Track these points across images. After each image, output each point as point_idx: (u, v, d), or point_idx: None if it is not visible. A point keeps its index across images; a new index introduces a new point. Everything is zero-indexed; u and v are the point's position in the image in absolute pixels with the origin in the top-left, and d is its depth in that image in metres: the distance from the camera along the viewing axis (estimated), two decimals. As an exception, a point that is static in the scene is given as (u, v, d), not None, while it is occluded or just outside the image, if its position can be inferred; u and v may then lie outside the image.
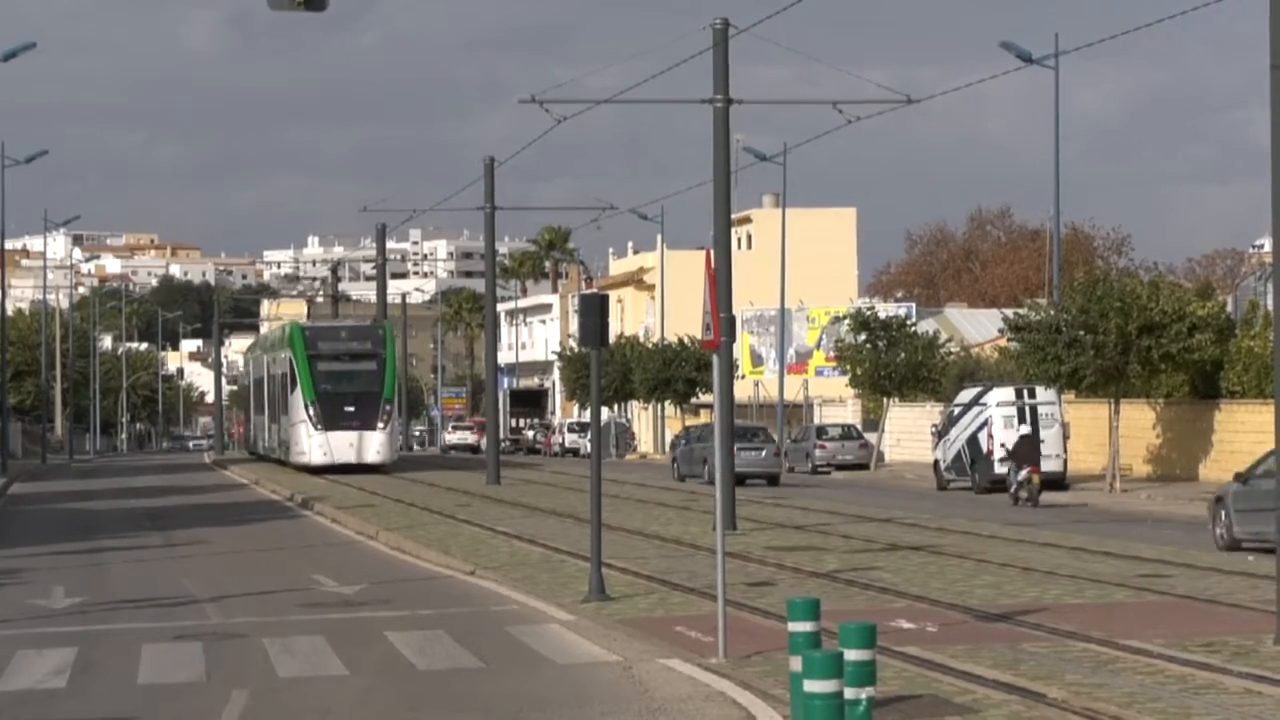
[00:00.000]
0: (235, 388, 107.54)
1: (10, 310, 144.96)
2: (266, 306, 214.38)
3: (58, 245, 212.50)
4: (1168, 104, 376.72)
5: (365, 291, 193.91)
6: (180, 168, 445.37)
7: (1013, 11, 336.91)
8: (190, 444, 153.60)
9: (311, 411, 60.64)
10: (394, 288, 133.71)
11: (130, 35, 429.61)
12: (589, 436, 26.32)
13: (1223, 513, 32.18)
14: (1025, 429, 52.04)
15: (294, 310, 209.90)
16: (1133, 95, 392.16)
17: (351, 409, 60.93)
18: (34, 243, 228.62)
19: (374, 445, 61.12)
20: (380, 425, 61.38)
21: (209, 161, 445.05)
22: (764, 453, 59.48)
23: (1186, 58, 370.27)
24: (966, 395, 57.01)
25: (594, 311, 23.79)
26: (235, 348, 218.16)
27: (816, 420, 79.25)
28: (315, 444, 60.56)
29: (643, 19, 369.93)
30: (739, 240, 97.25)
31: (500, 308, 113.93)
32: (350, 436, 60.82)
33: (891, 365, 67.93)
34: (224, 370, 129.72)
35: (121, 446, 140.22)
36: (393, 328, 66.98)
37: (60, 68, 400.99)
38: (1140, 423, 56.57)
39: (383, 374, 61.86)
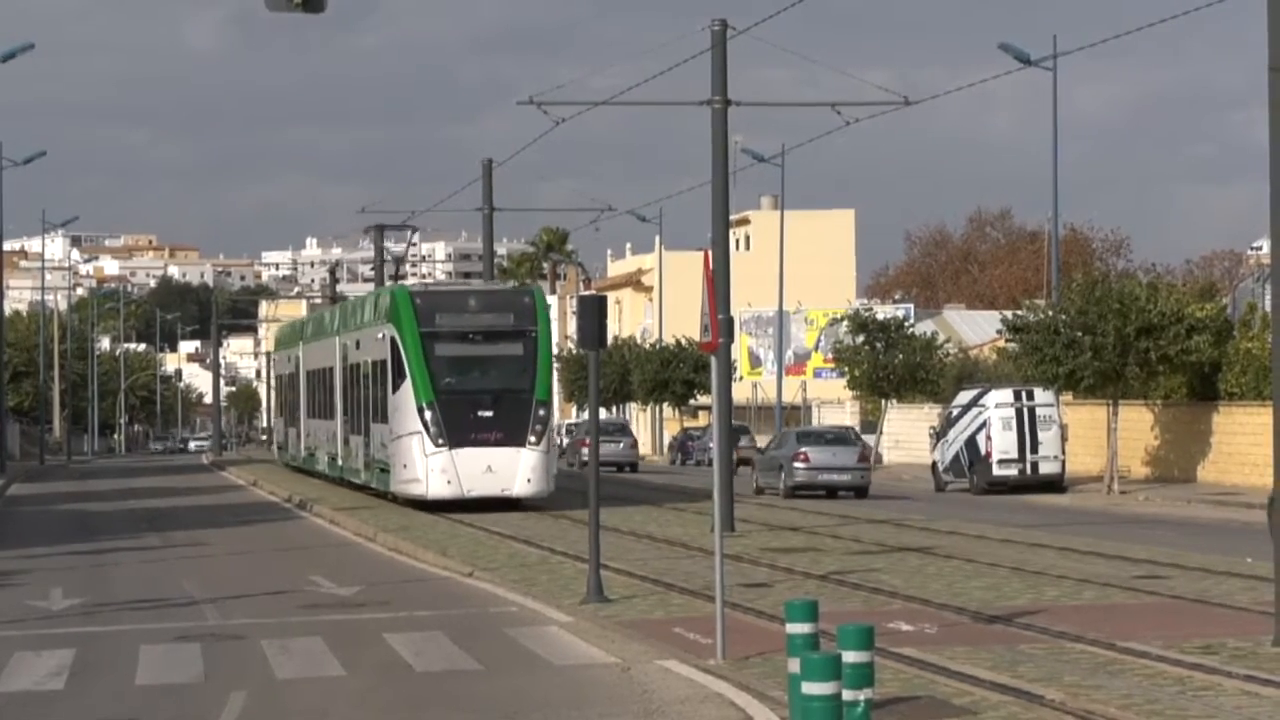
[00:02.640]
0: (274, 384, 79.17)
1: (9, 311, 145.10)
2: (264, 307, 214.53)
3: (56, 246, 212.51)
4: (1169, 105, 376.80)
5: (362, 292, 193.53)
6: (180, 168, 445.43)
7: (1014, 12, 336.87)
8: (191, 444, 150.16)
9: (429, 418, 40.49)
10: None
11: (130, 35, 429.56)
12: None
13: None
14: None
15: (291, 311, 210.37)
16: (1134, 96, 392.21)
17: (489, 414, 40.87)
18: (32, 244, 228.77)
19: (523, 470, 41.02)
20: (532, 440, 40.90)
21: (209, 162, 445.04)
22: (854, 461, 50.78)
23: (1187, 59, 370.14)
24: (965, 397, 57.02)
25: (592, 313, 23.83)
26: (234, 348, 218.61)
27: (814, 422, 79.24)
28: (435, 468, 40.53)
29: (644, 20, 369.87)
30: (737, 242, 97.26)
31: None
32: (488, 457, 40.81)
33: (890, 367, 67.97)
34: (222, 371, 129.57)
35: (118, 447, 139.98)
36: (543, 294, 45.53)
37: (60, 68, 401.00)
38: (1138, 424, 56.58)
39: (533, 362, 41.73)
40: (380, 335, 43.02)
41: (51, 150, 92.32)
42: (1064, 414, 55.89)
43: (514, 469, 40.71)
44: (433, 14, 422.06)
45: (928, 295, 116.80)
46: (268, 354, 76.20)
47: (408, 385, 40.99)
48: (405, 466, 41.06)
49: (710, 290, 18.80)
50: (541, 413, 41.16)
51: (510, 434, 40.70)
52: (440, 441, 40.41)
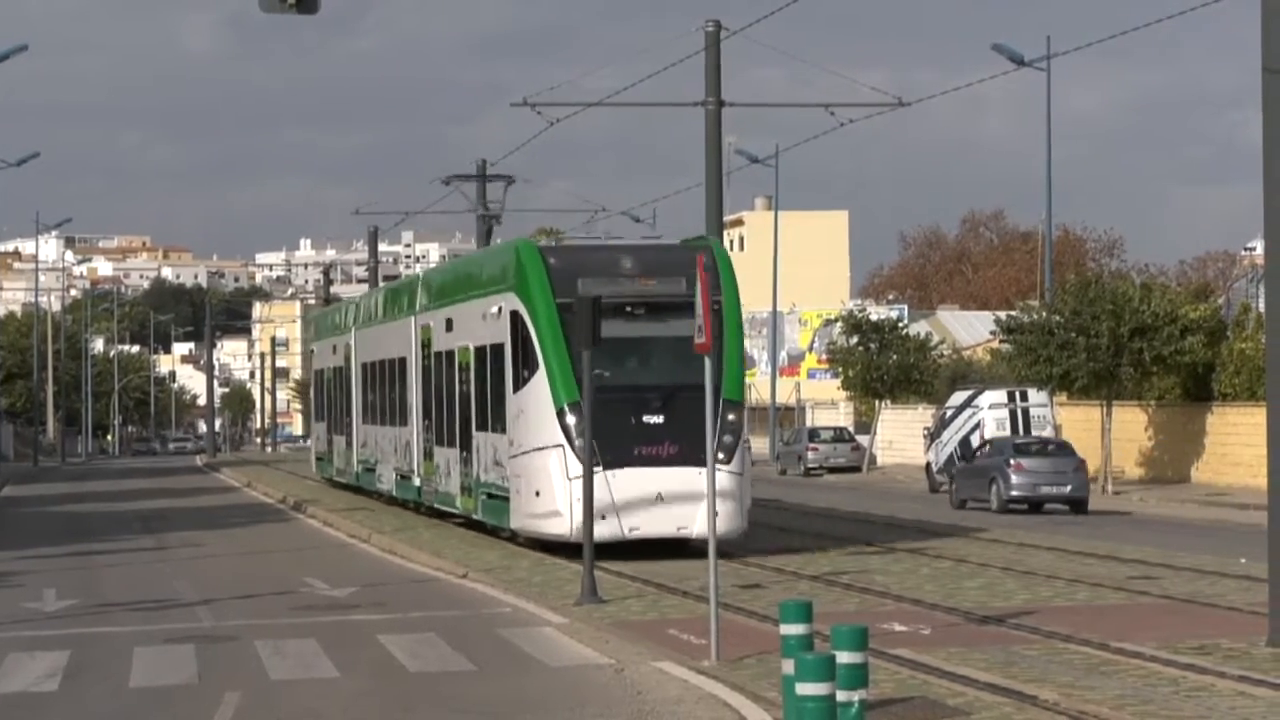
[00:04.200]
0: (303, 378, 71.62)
1: (2, 313, 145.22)
2: (258, 309, 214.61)
3: (49, 248, 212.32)
4: (1163, 106, 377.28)
5: (357, 293, 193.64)
6: (174, 169, 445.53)
7: (1007, 14, 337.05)
8: (171, 445, 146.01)
9: (573, 427, 28.74)
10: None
11: (125, 37, 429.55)
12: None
13: None
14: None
15: (286, 312, 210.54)
16: (1128, 97, 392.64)
17: (658, 421, 29.53)
18: (26, 245, 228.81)
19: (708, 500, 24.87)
20: (720, 458, 28.32)
21: (203, 163, 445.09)
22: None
23: (1181, 60, 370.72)
24: (959, 398, 57.06)
25: (587, 313, 23.84)
26: (228, 350, 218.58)
27: (809, 423, 79.25)
28: (580, 495, 25.87)
29: (639, 22, 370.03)
30: (731, 242, 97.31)
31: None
32: (658, 481, 29.28)
33: (883, 367, 67.97)
34: (215, 373, 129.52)
35: (111, 449, 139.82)
36: (725, 251, 32.24)
37: (55, 69, 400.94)
38: (1132, 425, 56.62)
39: (719, 347, 28.16)
40: (494, 310, 31.02)
41: (45, 151, 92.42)
42: (1057, 415, 55.93)
43: (695, 499, 28.05)
44: (428, 16, 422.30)
45: (921, 296, 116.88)
46: (304, 348, 62.00)
47: (540, 380, 29.13)
48: (538, 494, 29.14)
49: (704, 291, 18.80)
50: (732, 418, 28.96)
51: (689, 448, 28.33)
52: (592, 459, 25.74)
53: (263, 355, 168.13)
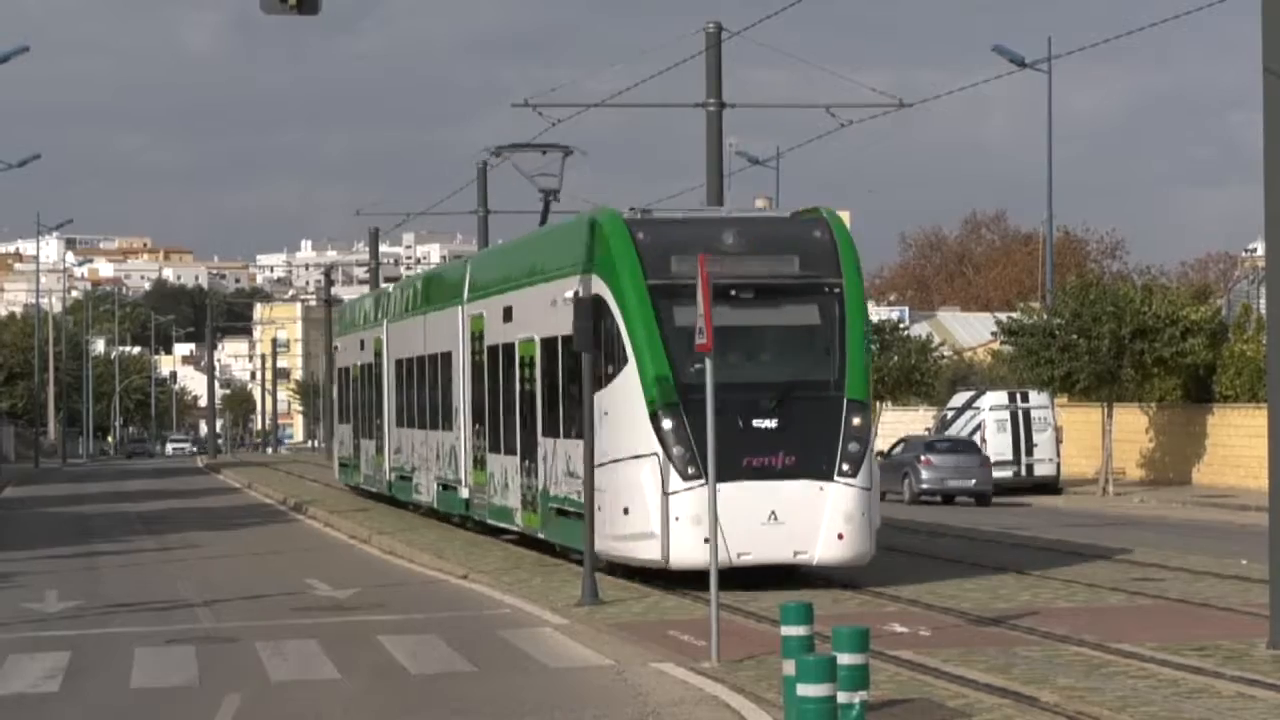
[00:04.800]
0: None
1: (3, 314, 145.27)
2: (259, 310, 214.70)
3: (51, 249, 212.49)
4: (1164, 107, 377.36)
5: (358, 294, 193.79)
6: (175, 171, 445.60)
7: (1008, 15, 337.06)
8: (169, 447, 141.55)
9: (670, 432, 24.61)
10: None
11: (126, 38, 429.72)
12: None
13: None
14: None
15: (286, 314, 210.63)
16: (1129, 99, 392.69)
17: (770, 426, 24.93)
18: (27, 246, 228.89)
19: (831, 520, 24.72)
20: (844, 470, 24.84)
21: (204, 165, 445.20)
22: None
23: (1182, 61, 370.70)
24: (960, 399, 57.06)
25: (587, 315, 23.81)
26: (229, 351, 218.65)
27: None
28: (683, 515, 24.32)
29: (640, 23, 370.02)
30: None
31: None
32: (772, 497, 24.65)
33: (884, 369, 67.92)
34: (216, 374, 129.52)
35: (112, 450, 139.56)
36: (843, 222, 27.16)
37: (56, 70, 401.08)
38: (1133, 426, 56.62)
39: (840, 337, 25.53)
40: (568, 295, 25.98)
41: (47, 152, 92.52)
42: (1059, 416, 55.92)
43: (815, 518, 24.35)
44: (430, 17, 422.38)
45: (922, 297, 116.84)
46: (333, 348, 55.01)
47: (630, 377, 24.76)
48: (628, 512, 24.65)
49: (705, 292, 18.76)
50: (857, 421, 24.84)
51: (807, 458, 24.56)
52: (692, 471, 23.91)
53: (263, 356, 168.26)
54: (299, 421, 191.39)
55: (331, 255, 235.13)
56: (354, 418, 48.70)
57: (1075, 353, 51.39)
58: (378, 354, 44.58)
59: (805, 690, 13.07)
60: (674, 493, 24.19)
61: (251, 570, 30.06)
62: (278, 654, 19.86)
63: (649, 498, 24.43)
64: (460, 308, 34.59)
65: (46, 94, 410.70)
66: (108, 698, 17.57)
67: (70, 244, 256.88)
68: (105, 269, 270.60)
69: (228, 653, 20.15)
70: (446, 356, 35.86)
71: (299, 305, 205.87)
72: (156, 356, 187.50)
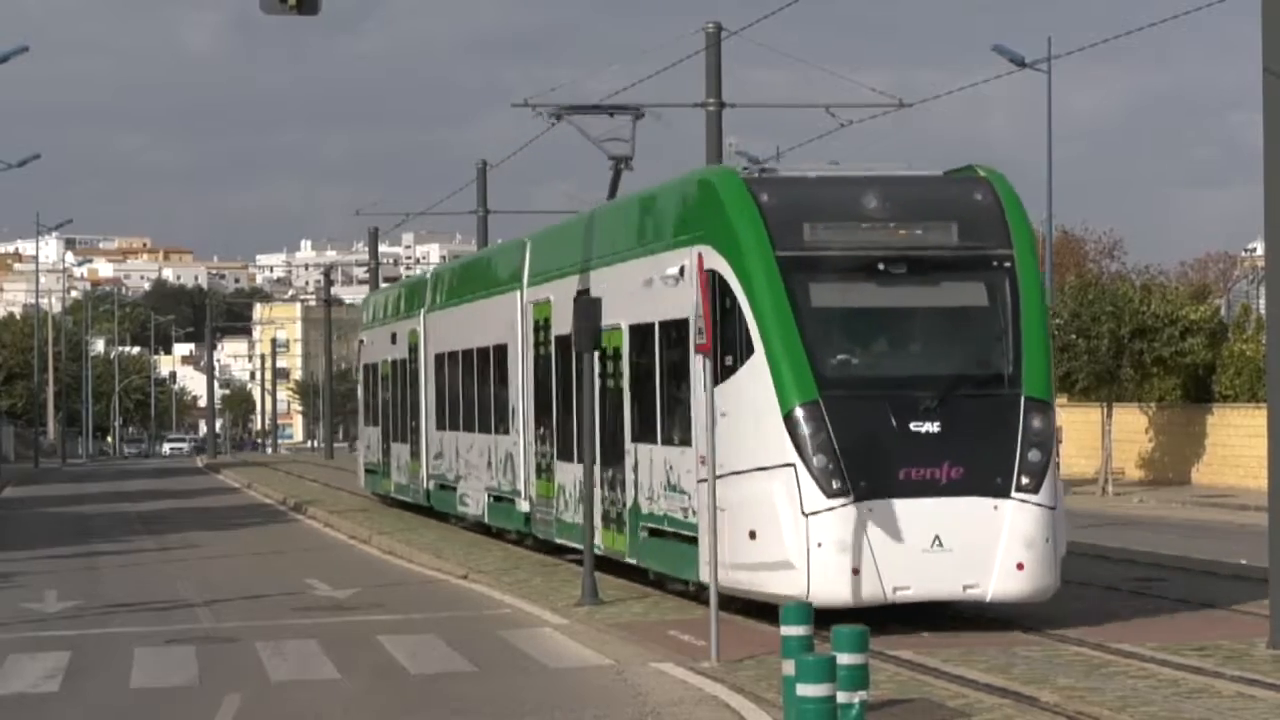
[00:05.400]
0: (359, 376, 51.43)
1: (2, 314, 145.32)
2: (259, 310, 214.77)
3: (50, 249, 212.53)
4: (1164, 107, 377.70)
5: (358, 295, 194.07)
6: (175, 171, 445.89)
7: (1008, 15, 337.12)
8: (166, 447, 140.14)
9: (810, 438, 20.05)
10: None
11: (127, 38, 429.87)
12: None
13: None
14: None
15: (286, 314, 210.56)
16: (1128, 99, 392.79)
17: (932, 430, 20.33)
18: (27, 247, 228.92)
19: (1008, 546, 20.17)
20: (1024, 483, 20.28)
21: (204, 165, 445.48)
22: None
23: (1182, 61, 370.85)
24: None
25: (587, 315, 23.72)
26: (228, 351, 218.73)
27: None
28: (827, 540, 19.83)
29: (640, 23, 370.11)
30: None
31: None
32: (935, 518, 20.08)
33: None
34: (215, 374, 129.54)
35: (112, 451, 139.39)
36: (1009, 184, 21.97)
37: (56, 70, 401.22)
38: (1132, 426, 56.60)
39: (1013, 322, 21.06)
40: (672, 272, 22.34)
41: (47, 152, 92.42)
42: (1057, 416, 55.86)
43: (988, 544, 20.07)
44: (430, 17, 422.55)
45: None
46: (358, 343, 49.62)
47: (757, 368, 20.42)
48: (754, 537, 20.33)
49: (704, 292, 18.73)
50: (1038, 424, 20.57)
51: (978, 471, 20.19)
52: (837, 486, 19.79)
53: (263, 356, 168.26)
54: (299, 421, 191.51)
55: (331, 255, 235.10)
56: (383, 419, 44.03)
57: (1074, 352, 51.38)
58: (413, 348, 40.32)
59: (805, 690, 13.07)
60: (815, 513, 19.72)
61: (251, 570, 30.05)
62: (278, 654, 19.86)
63: (783, 519, 19.93)
64: (519, 293, 30.42)
65: (46, 94, 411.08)
66: (108, 698, 17.58)
67: (70, 244, 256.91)
68: (105, 269, 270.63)
69: (228, 653, 20.15)
70: (501, 350, 31.69)
71: (299, 305, 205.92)
72: (156, 356, 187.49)
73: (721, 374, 20.27)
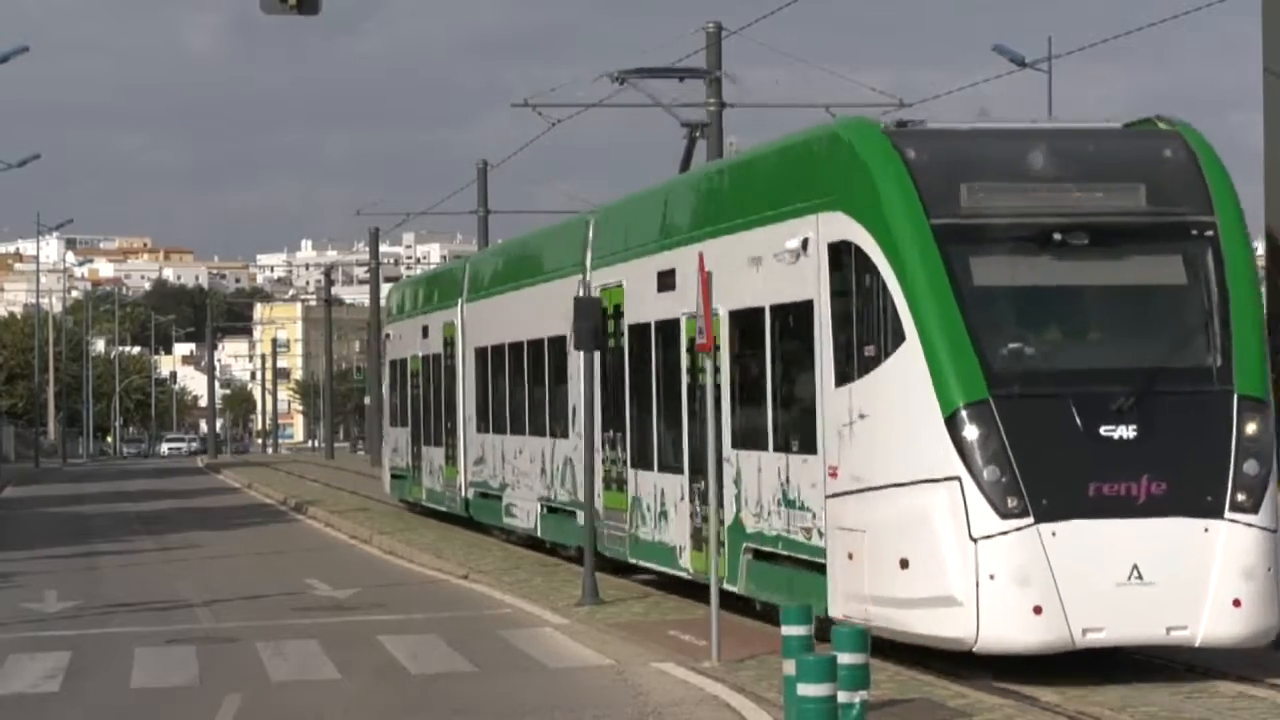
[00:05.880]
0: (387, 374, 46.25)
1: (3, 314, 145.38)
2: (259, 310, 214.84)
3: (51, 249, 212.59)
4: (1164, 107, 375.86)
5: (358, 295, 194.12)
6: (176, 171, 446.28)
7: (1010, 15, 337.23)
8: (164, 447, 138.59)
9: (979, 445, 16.52)
10: (387, 292, 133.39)
11: (128, 39, 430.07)
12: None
13: None
14: None
15: (286, 314, 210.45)
16: (1129, 98, 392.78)
17: (1127, 436, 16.71)
18: (27, 247, 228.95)
19: (1223, 579, 16.46)
20: (1240, 500, 16.57)
21: (205, 165, 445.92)
22: None
23: (1183, 61, 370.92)
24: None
25: (587, 315, 23.65)
26: (229, 351, 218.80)
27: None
28: (1001, 572, 16.31)
29: (640, 23, 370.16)
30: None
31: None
32: (1131, 544, 16.47)
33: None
34: (216, 374, 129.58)
35: (112, 451, 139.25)
36: (1203, 138, 18.19)
37: (57, 70, 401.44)
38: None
39: (1220, 304, 17.34)
40: (794, 245, 18.94)
41: (47, 152, 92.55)
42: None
43: (1198, 576, 16.62)
44: (431, 17, 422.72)
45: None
46: (384, 338, 46.02)
47: (910, 360, 17.15)
48: (907, 566, 17.01)
49: (705, 291, 18.65)
50: (1253, 428, 17.03)
51: (1183, 486, 16.77)
52: (1014, 505, 16.51)
53: (264, 356, 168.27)
54: (299, 421, 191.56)
55: (332, 255, 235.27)
56: (413, 420, 40.32)
57: None
58: (449, 342, 36.55)
59: (806, 690, 13.05)
60: (986, 537, 16.32)
61: (252, 570, 30.04)
62: (278, 654, 19.86)
63: (945, 545, 16.55)
64: (581, 277, 26.78)
65: (46, 94, 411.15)
66: (108, 698, 17.57)
67: (70, 244, 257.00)
68: (105, 269, 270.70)
69: (228, 653, 20.14)
70: (558, 342, 27.86)
71: (299, 305, 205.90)
72: (156, 356, 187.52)
73: (859, 367, 17.68)
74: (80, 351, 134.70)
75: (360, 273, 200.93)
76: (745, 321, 20.48)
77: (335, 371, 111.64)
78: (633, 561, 24.86)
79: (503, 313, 32.32)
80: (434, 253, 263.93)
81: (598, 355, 25.09)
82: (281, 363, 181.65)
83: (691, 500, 22.10)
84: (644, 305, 23.55)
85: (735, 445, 20.63)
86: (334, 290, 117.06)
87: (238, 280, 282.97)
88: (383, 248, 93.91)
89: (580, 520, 26.08)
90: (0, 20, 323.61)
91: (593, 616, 22.14)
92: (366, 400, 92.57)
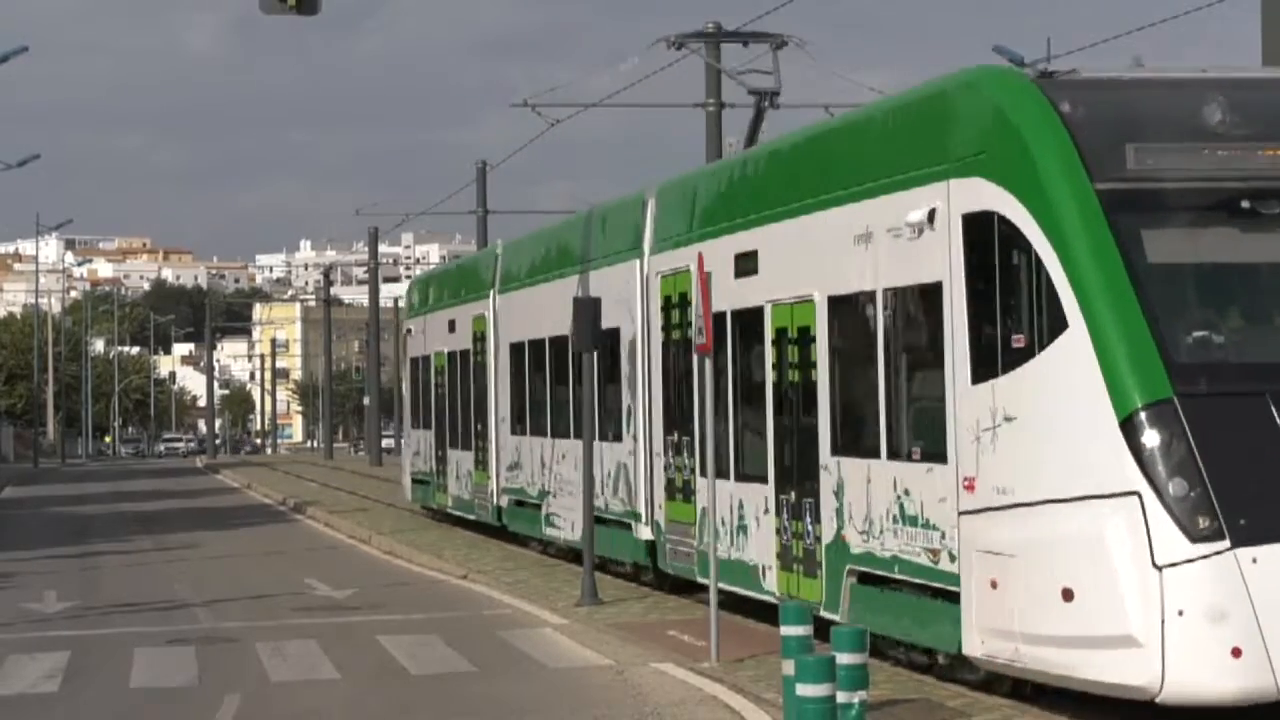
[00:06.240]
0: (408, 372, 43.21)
1: (2, 314, 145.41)
2: (258, 310, 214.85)
3: (50, 249, 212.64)
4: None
5: (357, 295, 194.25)
6: (176, 171, 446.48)
7: (1010, 15, 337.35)
8: (160, 447, 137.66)
9: (1159, 447, 13.85)
10: (386, 292, 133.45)
11: (129, 39, 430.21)
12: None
13: None
14: None
15: (286, 314, 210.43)
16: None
17: None
18: (26, 247, 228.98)
19: None
20: None
21: (205, 165, 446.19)
22: None
23: (1183, 60, 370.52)
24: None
25: (587, 315, 23.62)
26: (228, 351, 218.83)
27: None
28: (1193, 608, 13.55)
29: (640, 23, 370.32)
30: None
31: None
32: None
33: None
34: (215, 374, 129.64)
35: (110, 451, 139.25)
36: None
37: (57, 71, 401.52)
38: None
39: None
40: (922, 214, 16.39)
41: (47, 152, 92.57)
42: None
43: None
44: (432, 18, 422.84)
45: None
46: (404, 333, 43.08)
47: (1074, 350, 14.52)
48: (1071, 598, 14.34)
49: (704, 292, 18.61)
50: None
51: None
52: (1205, 526, 13.78)
53: (263, 357, 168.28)
54: (298, 422, 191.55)
55: (331, 255, 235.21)
56: (437, 422, 37.64)
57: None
58: (479, 336, 33.99)
59: (805, 690, 13.05)
60: (1172, 565, 13.67)
61: (251, 570, 30.04)
62: (277, 654, 19.86)
63: (1122, 573, 13.91)
64: (637, 263, 24.32)
65: (47, 94, 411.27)
66: (107, 698, 17.57)
67: (70, 244, 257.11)
68: (104, 269, 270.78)
69: (227, 653, 20.14)
70: (608, 335, 24.47)
71: (298, 306, 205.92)
72: (156, 357, 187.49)
73: (1005, 361, 15.15)
74: (79, 352, 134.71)
75: (359, 273, 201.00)
76: (849, 309, 17.84)
77: (334, 372, 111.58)
78: (701, 581, 21.70)
79: (542, 304, 29.32)
80: (433, 253, 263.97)
81: (660, 350, 23.39)
82: (280, 363, 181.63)
83: (779, 513, 19.52)
84: (719, 291, 19.62)
85: (836, 451, 18.12)
86: (333, 291, 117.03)
87: (237, 280, 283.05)
88: (382, 248, 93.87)
89: (637, 533, 24.39)
90: (6, 19, 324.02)
91: (592, 617, 22.14)
92: (366, 401, 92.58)
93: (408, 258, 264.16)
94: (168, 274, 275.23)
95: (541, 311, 29.26)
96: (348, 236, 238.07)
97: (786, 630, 14.86)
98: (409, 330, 41.68)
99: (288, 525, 41.79)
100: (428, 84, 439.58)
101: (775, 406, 19.57)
